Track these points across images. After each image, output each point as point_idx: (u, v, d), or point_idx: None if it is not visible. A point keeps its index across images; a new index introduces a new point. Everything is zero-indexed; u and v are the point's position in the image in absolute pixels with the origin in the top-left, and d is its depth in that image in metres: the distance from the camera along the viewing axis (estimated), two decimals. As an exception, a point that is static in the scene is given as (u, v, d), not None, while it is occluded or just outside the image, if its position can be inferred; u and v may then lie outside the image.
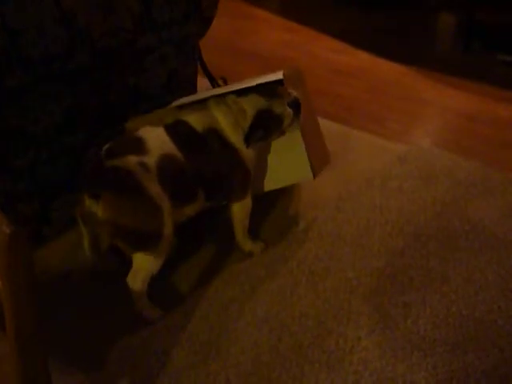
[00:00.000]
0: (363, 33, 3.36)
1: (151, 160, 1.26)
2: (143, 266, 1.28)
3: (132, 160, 1.23)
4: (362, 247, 1.57)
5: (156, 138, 1.30)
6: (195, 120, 1.39)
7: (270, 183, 1.61)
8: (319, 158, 1.59)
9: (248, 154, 1.44)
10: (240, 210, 1.49)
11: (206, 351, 1.28)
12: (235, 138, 1.41)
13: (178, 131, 1.35)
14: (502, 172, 1.90)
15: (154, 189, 1.24)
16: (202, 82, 1.93)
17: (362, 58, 2.96)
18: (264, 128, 1.40)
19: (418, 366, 1.23)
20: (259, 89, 1.42)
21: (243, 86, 1.42)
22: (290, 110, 1.43)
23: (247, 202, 1.49)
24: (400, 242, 1.59)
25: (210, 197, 1.42)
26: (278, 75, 1.42)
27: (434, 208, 1.72)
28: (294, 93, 1.45)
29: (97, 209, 1.22)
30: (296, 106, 1.44)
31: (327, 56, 2.98)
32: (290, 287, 1.44)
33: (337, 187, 1.82)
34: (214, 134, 1.39)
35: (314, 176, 1.52)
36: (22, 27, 1.33)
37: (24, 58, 1.37)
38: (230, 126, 1.40)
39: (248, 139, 1.38)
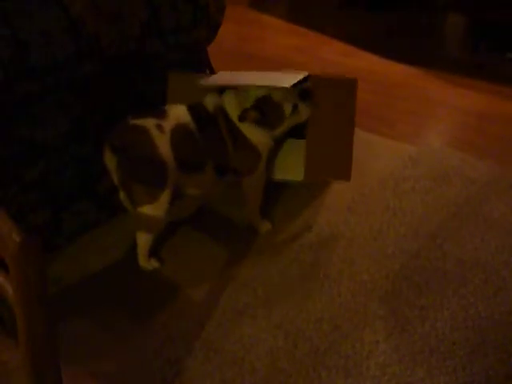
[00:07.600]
0: (371, 35, 3.34)
1: (167, 124, 1.44)
2: (145, 223, 1.46)
3: (151, 121, 1.43)
4: (377, 250, 1.55)
5: (177, 111, 1.49)
6: (208, 101, 1.54)
7: (275, 173, 1.68)
8: (329, 168, 1.66)
9: (257, 136, 1.53)
10: (249, 185, 1.59)
11: (220, 359, 1.26)
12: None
13: (197, 109, 1.52)
14: (516, 170, 1.88)
15: (164, 148, 1.41)
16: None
17: (371, 61, 2.95)
18: (260, 111, 1.49)
19: (438, 370, 1.20)
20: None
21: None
22: (292, 101, 1.51)
23: (256, 179, 1.58)
24: (415, 244, 1.56)
25: (219, 172, 1.54)
26: (303, 73, 1.52)
27: (447, 209, 1.70)
28: (308, 85, 1.54)
29: (112, 162, 1.41)
30: (302, 94, 1.52)
31: (336, 59, 2.97)
32: (305, 292, 1.43)
33: (349, 190, 1.80)
34: (222, 114, 1.52)
35: (305, 179, 1.60)
36: (30, 36, 1.33)
37: (32, 68, 1.37)
38: (233, 107, 1.52)
39: (241, 116, 1.49)
